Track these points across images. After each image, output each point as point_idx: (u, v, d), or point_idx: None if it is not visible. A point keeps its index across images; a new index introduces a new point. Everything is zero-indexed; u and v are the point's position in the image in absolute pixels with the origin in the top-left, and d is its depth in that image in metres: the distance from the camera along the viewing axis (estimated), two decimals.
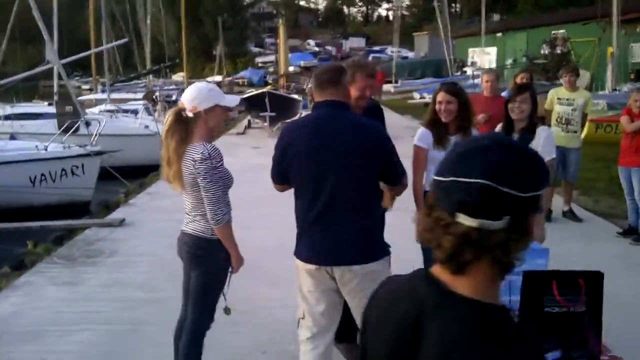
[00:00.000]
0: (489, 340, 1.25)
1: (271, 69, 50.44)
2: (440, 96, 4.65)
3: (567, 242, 7.28)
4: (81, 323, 5.34)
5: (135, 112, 19.96)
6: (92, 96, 25.94)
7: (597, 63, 25.75)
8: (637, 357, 3.30)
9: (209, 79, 42.24)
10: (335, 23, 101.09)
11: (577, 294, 2.37)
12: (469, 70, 35.71)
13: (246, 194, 9.00)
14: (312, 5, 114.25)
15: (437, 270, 1.38)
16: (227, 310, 3.95)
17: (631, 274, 6.42)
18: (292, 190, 3.60)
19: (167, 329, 4.05)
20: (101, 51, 24.26)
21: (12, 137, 14.43)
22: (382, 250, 3.53)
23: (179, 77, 40.30)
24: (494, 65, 36.15)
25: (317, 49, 71.20)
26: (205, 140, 3.69)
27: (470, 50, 42.04)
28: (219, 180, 3.62)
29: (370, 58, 51.57)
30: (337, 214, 3.39)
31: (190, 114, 3.69)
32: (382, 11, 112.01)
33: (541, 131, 4.68)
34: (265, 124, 19.28)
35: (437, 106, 4.65)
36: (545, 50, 29.93)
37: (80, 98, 22.98)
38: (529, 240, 1.36)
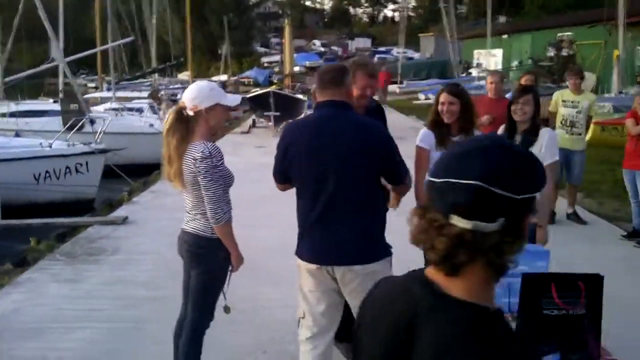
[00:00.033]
0: (483, 343, 1.25)
1: (277, 69, 50.45)
2: (443, 97, 4.63)
3: (571, 245, 7.26)
4: (83, 320, 5.34)
5: (140, 110, 20.01)
6: (97, 94, 25.99)
7: (603, 66, 25.67)
8: None
9: (215, 78, 42.37)
10: (341, 23, 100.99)
11: (577, 296, 2.35)
12: (474, 72, 35.69)
13: (250, 193, 9.02)
14: (318, 6, 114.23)
15: (431, 272, 1.38)
16: (226, 309, 3.95)
17: (635, 276, 6.40)
18: (295, 190, 3.59)
19: (169, 327, 4.05)
20: (107, 50, 24.32)
21: (17, 134, 14.48)
22: (383, 251, 3.51)
23: (184, 76, 40.37)
24: (499, 67, 36.09)
25: (322, 49, 71.14)
26: (206, 139, 3.70)
27: (476, 51, 41.97)
28: (219, 179, 3.62)
29: (375, 59, 51.58)
30: (337, 214, 3.38)
31: (191, 113, 3.69)
32: (388, 12, 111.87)
33: (544, 133, 4.66)
34: (270, 123, 19.28)
35: (439, 107, 4.64)
36: (551, 52, 29.86)
37: (85, 96, 23.07)
38: (523, 242, 1.35)
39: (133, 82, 32.47)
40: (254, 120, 21.63)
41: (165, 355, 4.06)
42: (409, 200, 3.66)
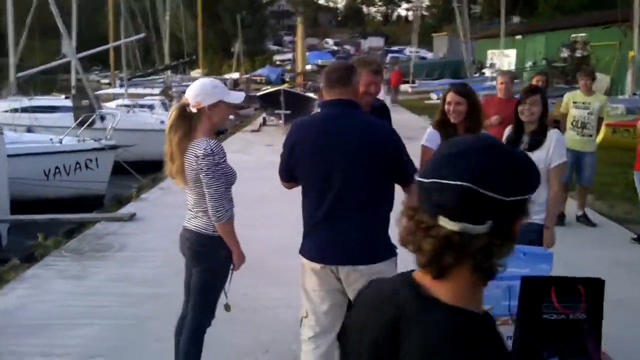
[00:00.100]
0: (469, 348, 1.22)
1: (289, 67, 50.49)
2: (450, 97, 4.59)
3: (580, 247, 7.22)
4: (87, 317, 5.34)
5: (151, 107, 20.06)
6: (110, 90, 26.13)
7: (617, 67, 25.47)
8: None
9: (227, 76, 42.43)
10: (355, 22, 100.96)
11: (577, 301, 2.30)
12: (487, 72, 35.53)
13: (259, 191, 9.03)
14: (331, 4, 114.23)
15: (419, 275, 1.35)
16: (227, 307, 3.93)
17: None
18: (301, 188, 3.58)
19: (173, 324, 4.04)
20: (119, 46, 24.41)
21: (29, 129, 14.54)
22: (388, 251, 3.48)
23: (197, 73, 40.47)
24: (512, 68, 35.91)
25: (335, 47, 71.16)
26: (208, 136, 3.68)
27: (490, 52, 41.78)
28: (221, 176, 3.61)
29: (388, 58, 51.49)
30: (343, 213, 3.36)
31: (194, 110, 3.67)
32: (401, 11, 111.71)
33: (552, 134, 4.61)
34: (280, 121, 19.27)
35: (446, 107, 4.60)
36: (564, 53, 29.66)
37: (98, 92, 23.18)
38: (513, 246, 1.32)
39: (145, 78, 32.56)
40: (264, 119, 21.64)
41: (168, 353, 4.05)
42: None
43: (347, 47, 71.87)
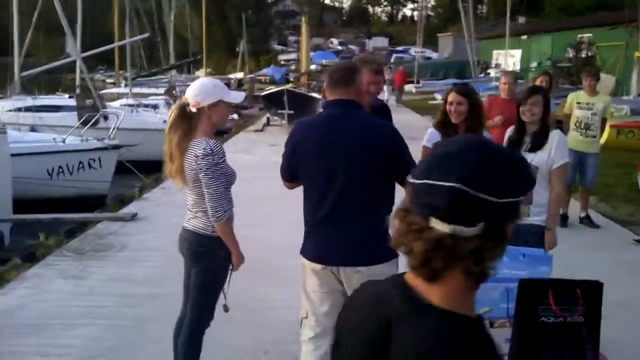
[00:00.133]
0: (459, 352, 1.20)
1: (293, 67, 50.50)
2: (451, 97, 4.58)
3: (583, 249, 7.20)
4: (87, 317, 5.32)
5: (155, 106, 20.09)
6: (114, 90, 26.17)
7: (623, 68, 25.40)
8: None
9: (231, 75, 42.47)
10: (360, 22, 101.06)
11: (574, 304, 2.28)
12: (492, 72, 35.45)
13: (262, 191, 9.02)
14: (337, 4, 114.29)
15: (411, 277, 1.33)
16: (225, 308, 3.91)
17: None
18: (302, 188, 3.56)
19: (171, 325, 4.02)
20: (124, 46, 24.45)
21: (33, 129, 14.56)
22: (389, 252, 3.45)
23: (202, 73, 40.54)
24: (517, 68, 35.83)
25: (340, 47, 71.20)
26: (208, 135, 3.67)
27: (495, 52, 41.69)
28: (220, 176, 3.59)
29: (393, 58, 51.46)
30: (345, 213, 3.35)
31: (193, 109, 3.66)
32: (407, 11, 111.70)
33: (554, 135, 4.57)
34: (284, 121, 19.26)
35: (447, 107, 4.59)
36: (570, 53, 29.58)
37: (102, 92, 23.22)
38: (505, 248, 1.29)
39: (150, 78, 32.64)
40: (268, 119, 21.63)
41: (166, 353, 4.03)
42: None
43: (351, 47, 71.94)
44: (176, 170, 3.69)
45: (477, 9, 48.51)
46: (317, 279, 3.49)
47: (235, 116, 23.53)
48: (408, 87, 34.26)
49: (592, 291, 2.33)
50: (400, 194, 3.13)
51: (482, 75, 35.36)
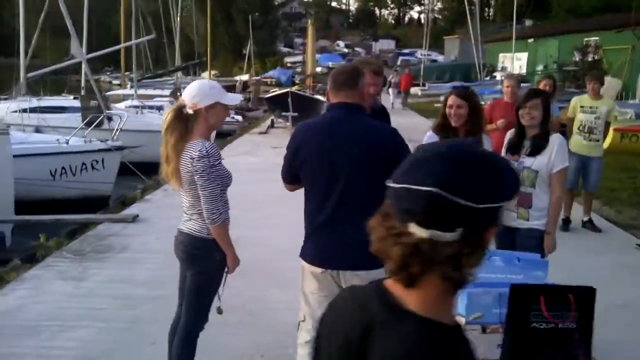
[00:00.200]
0: (436, 359, 1.18)
1: (299, 69, 50.54)
2: (451, 100, 4.57)
3: (585, 252, 7.18)
4: (85, 319, 5.30)
5: (160, 108, 20.12)
6: (120, 91, 26.24)
7: (630, 71, 25.31)
8: None
9: (237, 77, 42.52)
10: (366, 24, 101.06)
11: (567, 309, 2.25)
12: (498, 75, 35.39)
13: (265, 193, 9.00)
14: (343, 6, 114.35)
15: (390, 283, 1.31)
16: (219, 310, 3.88)
17: None
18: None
19: (168, 327, 4.01)
20: (130, 47, 24.51)
21: (37, 130, 14.59)
22: None
23: (207, 75, 40.61)
24: (524, 71, 35.75)
25: (346, 50, 71.22)
26: (204, 137, 3.66)
27: (501, 55, 41.65)
28: (216, 178, 3.58)
29: (399, 61, 51.42)
30: (346, 215, 3.33)
31: (190, 111, 3.64)
32: (414, 14, 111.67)
33: (554, 139, 4.54)
34: (288, 123, 19.26)
35: (447, 110, 4.57)
36: (576, 57, 29.50)
37: (108, 93, 23.27)
38: (484, 255, 1.27)
39: (155, 80, 32.71)
40: (272, 121, 21.64)
41: (162, 356, 4.01)
42: None
43: (358, 49, 71.94)
44: (172, 172, 3.67)
45: (484, 11, 48.45)
46: (316, 282, 3.47)
47: (239, 118, 23.56)
48: (414, 90, 34.21)
49: (584, 297, 2.30)
50: None
51: (488, 78, 35.31)
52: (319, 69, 38.66)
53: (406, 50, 66.51)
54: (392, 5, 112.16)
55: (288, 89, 22.35)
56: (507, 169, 1.30)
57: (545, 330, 2.27)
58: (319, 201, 3.40)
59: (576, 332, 2.29)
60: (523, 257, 2.96)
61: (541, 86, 7.92)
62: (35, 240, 7.93)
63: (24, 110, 14.65)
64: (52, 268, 6.66)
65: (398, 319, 1.24)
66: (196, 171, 3.54)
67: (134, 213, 8.92)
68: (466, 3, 34.70)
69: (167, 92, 26.38)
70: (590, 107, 8.13)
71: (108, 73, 50.83)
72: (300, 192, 3.58)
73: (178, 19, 34.46)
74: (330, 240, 3.39)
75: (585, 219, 8.37)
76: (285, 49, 71.97)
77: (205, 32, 45.55)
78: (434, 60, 53.88)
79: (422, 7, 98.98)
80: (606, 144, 8.74)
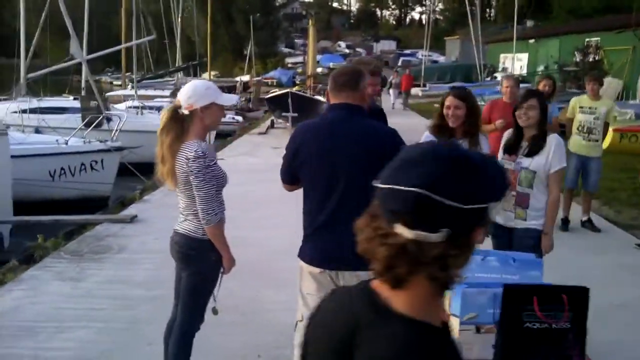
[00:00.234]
0: None
1: (300, 70, 50.53)
2: (449, 100, 4.55)
3: (584, 252, 7.18)
4: (81, 320, 5.30)
5: (160, 109, 20.11)
6: (120, 92, 26.24)
7: (630, 72, 25.30)
8: None
9: (237, 78, 42.54)
10: (368, 25, 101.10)
11: (560, 310, 2.24)
12: (499, 76, 35.36)
13: (264, 193, 8.99)
14: (345, 7, 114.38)
15: (376, 284, 1.30)
16: (214, 311, 3.88)
17: None
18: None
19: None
20: (131, 48, 24.51)
21: (37, 130, 14.59)
22: None
23: (207, 75, 40.63)
24: (524, 72, 35.74)
25: (347, 50, 71.24)
26: (200, 138, 3.65)
27: (502, 55, 41.63)
28: (211, 179, 3.57)
29: (400, 61, 51.41)
30: (345, 216, 3.29)
31: (186, 112, 3.64)
32: (415, 14, 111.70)
33: (552, 139, 4.53)
34: (288, 124, 19.26)
35: (444, 111, 4.56)
36: (577, 58, 29.48)
37: (108, 94, 23.26)
38: (470, 256, 1.26)
39: (156, 80, 32.73)
40: (272, 121, 21.64)
41: (159, 356, 4.00)
42: None
43: (359, 50, 71.94)
44: (167, 173, 3.66)
45: (486, 12, 48.45)
46: (314, 283, 3.47)
47: (240, 119, 23.57)
48: (414, 91, 34.20)
49: (578, 297, 2.29)
50: None
51: (488, 79, 35.29)
52: (320, 70, 38.65)
53: (407, 51, 66.52)
54: (393, 6, 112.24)
55: (288, 90, 22.36)
56: (495, 169, 1.28)
57: (538, 330, 2.25)
58: (319, 202, 3.39)
59: (570, 332, 2.28)
60: (518, 257, 2.95)
61: (540, 86, 7.92)
62: (34, 241, 7.92)
63: (24, 111, 14.65)
64: (49, 269, 6.65)
65: (385, 320, 1.23)
66: (191, 172, 3.54)
67: (133, 213, 8.91)
68: (467, 4, 34.65)
69: (167, 92, 26.39)
70: (590, 108, 8.12)
71: (109, 74, 50.90)
72: (298, 193, 3.57)
73: (179, 19, 34.43)
74: (330, 240, 3.38)
75: (584, 218, 8.36)
76: (286, 50, 72.01)
77: (206, 32, 45.60)
78: (435, 61, 53.87)
79: (423, 8, 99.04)
80: (605, 144, 8.73)
